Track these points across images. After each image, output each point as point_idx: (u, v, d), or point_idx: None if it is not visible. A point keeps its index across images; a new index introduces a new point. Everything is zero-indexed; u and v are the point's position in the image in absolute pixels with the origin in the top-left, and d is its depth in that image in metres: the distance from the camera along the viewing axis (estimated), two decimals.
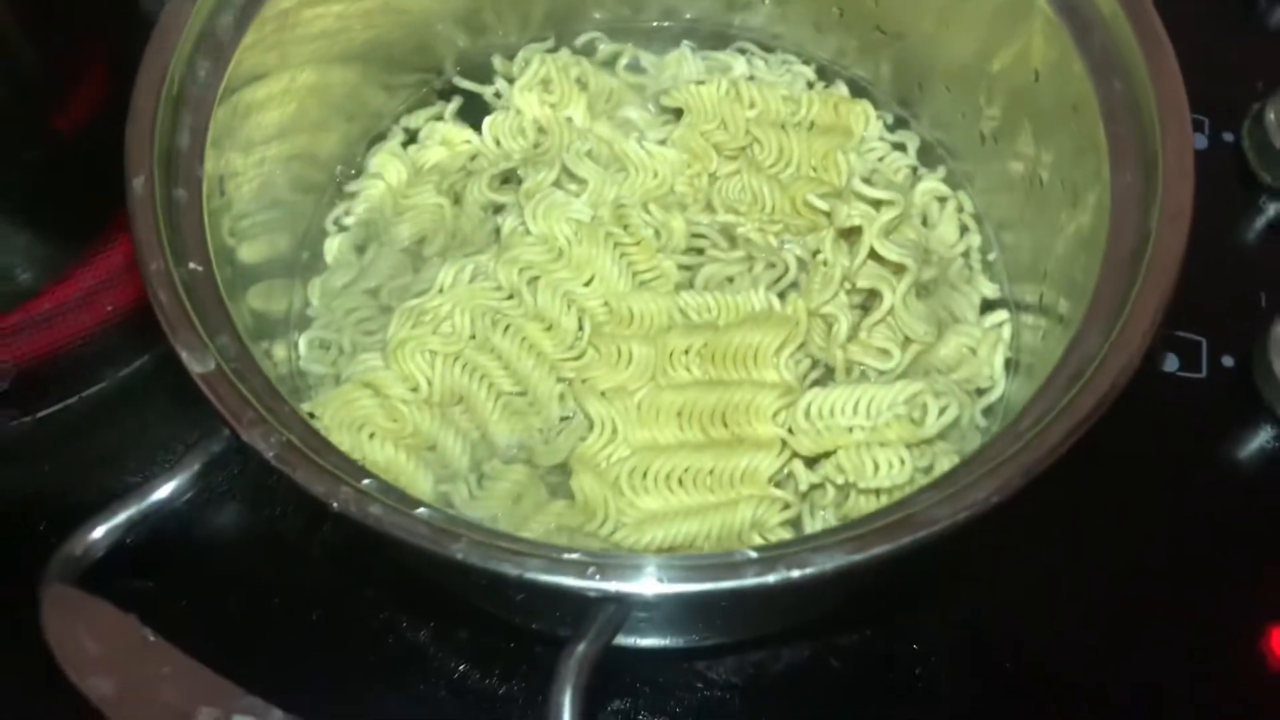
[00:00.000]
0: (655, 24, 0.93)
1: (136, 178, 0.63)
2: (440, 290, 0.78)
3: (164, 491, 0.59)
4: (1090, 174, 0.69)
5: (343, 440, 0.73)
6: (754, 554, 0.54)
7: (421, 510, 0.56)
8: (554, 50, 0.90)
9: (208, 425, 0.60)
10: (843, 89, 0.90)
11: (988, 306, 0.81)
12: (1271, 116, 0.94)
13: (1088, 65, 0.70)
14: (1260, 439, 0.88)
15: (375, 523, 0.54)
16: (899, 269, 0.78)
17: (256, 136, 0.76)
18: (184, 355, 0.58)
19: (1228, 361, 0.89)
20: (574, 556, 0.54)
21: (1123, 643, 0.79)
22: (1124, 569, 0.82)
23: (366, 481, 0.57)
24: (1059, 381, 0.61)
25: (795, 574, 0.53)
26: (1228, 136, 0.98)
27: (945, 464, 0.72)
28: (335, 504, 0.55)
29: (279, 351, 0.78)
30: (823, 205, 0.80)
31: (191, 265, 0.63)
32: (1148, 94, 0.65)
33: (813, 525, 0.73)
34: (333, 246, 0.84)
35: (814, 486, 0.73)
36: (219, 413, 0.57)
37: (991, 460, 0.57)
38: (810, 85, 0.90)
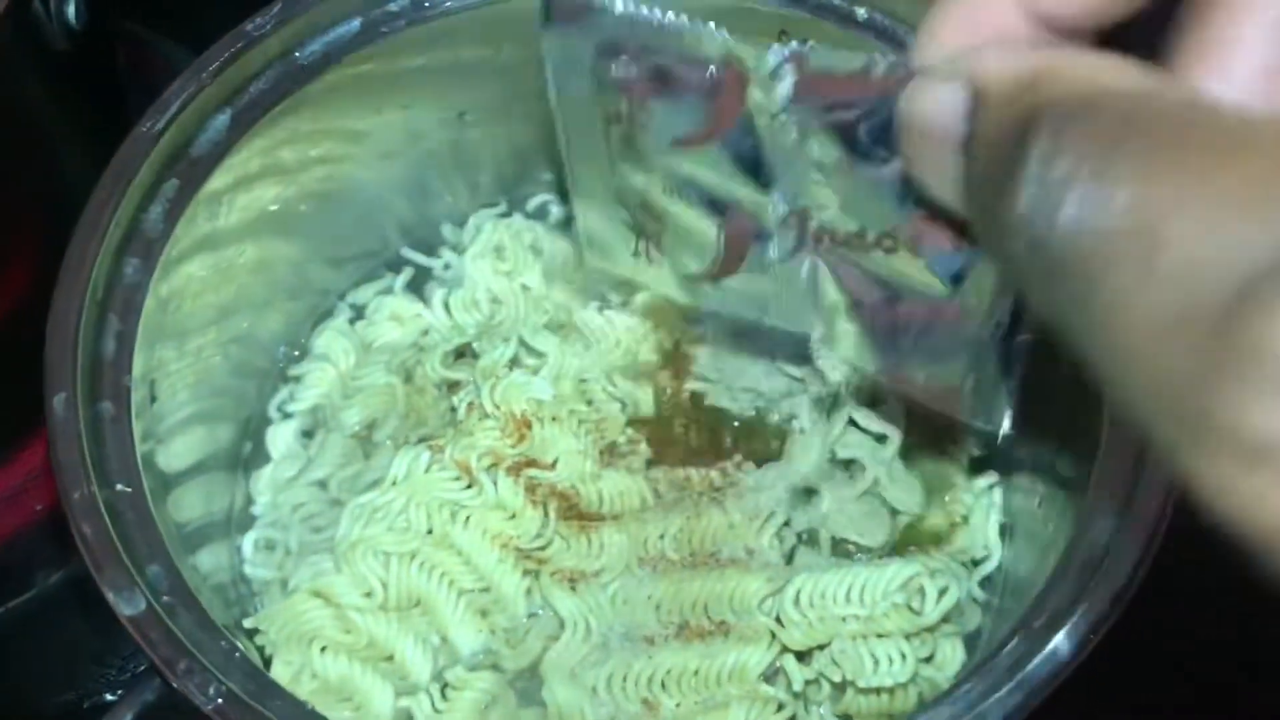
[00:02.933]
0: None
1: (57, 396, 0.58)
2: (393, 483, 0.72)
3: None
4: None
5: (292, 658, 0.67)
6: None
7: None
8: (505, 215, 0.87)
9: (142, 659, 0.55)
10: None
11: (976, 467, 0.77)
12: None
13: None
14: None
15: None
16: (881, 436, 0.74)
17: (191, 325, 0.72)
18: (111, 598, 0.52)
19: None
20: None
21: None
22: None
23: None
24: (1072, 565, 0.56)
25: None
26: None
27: (948, 649, 0.67)
28: None
29: (220, 556, 0.73)
30: (796, 372, 0.76)
31: (119, 487, 0.58)
32: None
33: None
34: (277, 436, 0.78)
35: (808, 682, 0.67)
36: (151, 662, 0.51)
37: (1008, 669, 0.52)
38: None
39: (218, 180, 0.70)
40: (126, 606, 0.52)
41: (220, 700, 0.50)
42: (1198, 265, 0.24)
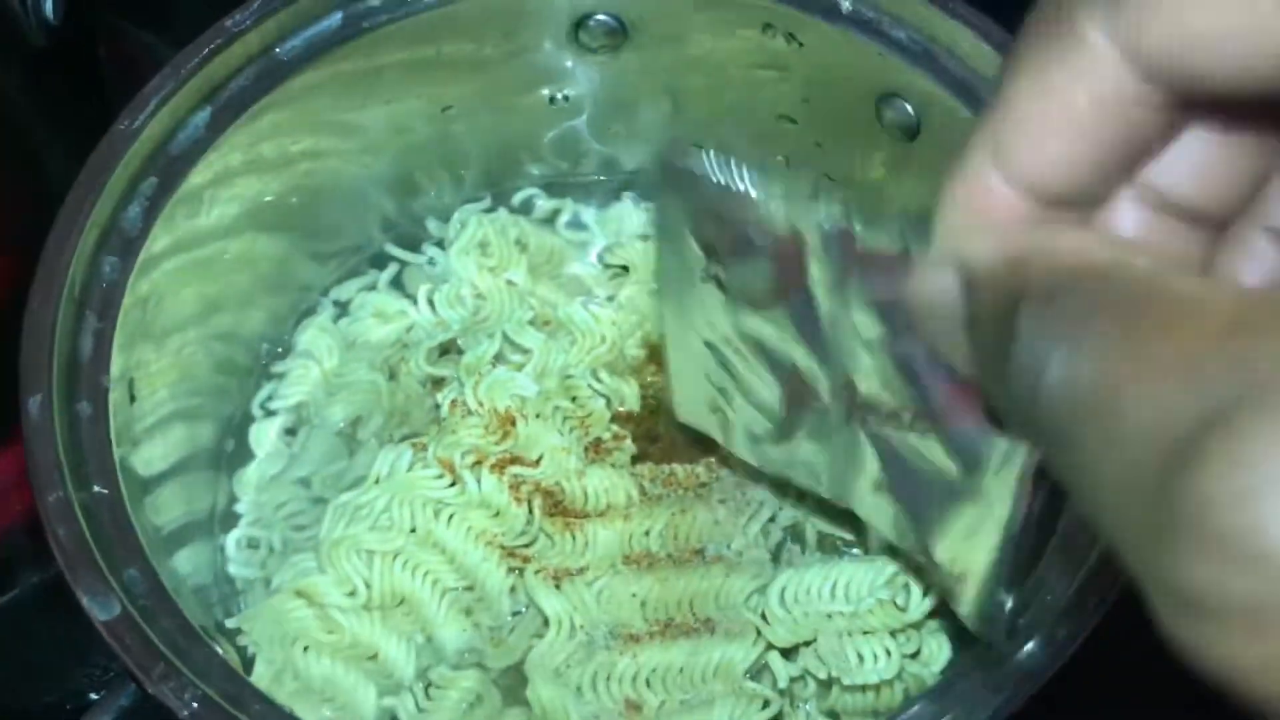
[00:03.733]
0: (595, 177, 0.89)
1: (32, 397, 0.57)
2: (376, 481, 0.72)
3: None
4: None
5: (275, 658, 0.67)
6: None
7: None
8: (490, 210, 0.86)
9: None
10: None
11: None
12: None
13: None
14: None
15: None
16: None
17: (172, 324, 0.71)
18: (85, 602, 0.52)
19: None
20: None
21: None
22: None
23: None
24: (1062, 556, 0.56)
25: None
26: None
27: (934, 645, 0.67)
28: None
29: (202, 556, 0.72)
30: None
31: (96, 489, 0.57)
32: None
33: None
34: (260, 433, 0.78)
35: (794, 679, 0.67)
36: (126, 668, 0.50)
37: (989, 667, 0.52)
38: None
39: (197, 177, 0.69)
40: (101, 611, 0.52)
41: (196, 705, 0.49)
42: (1141, 431, 0.26)
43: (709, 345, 0.57)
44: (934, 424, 0.44)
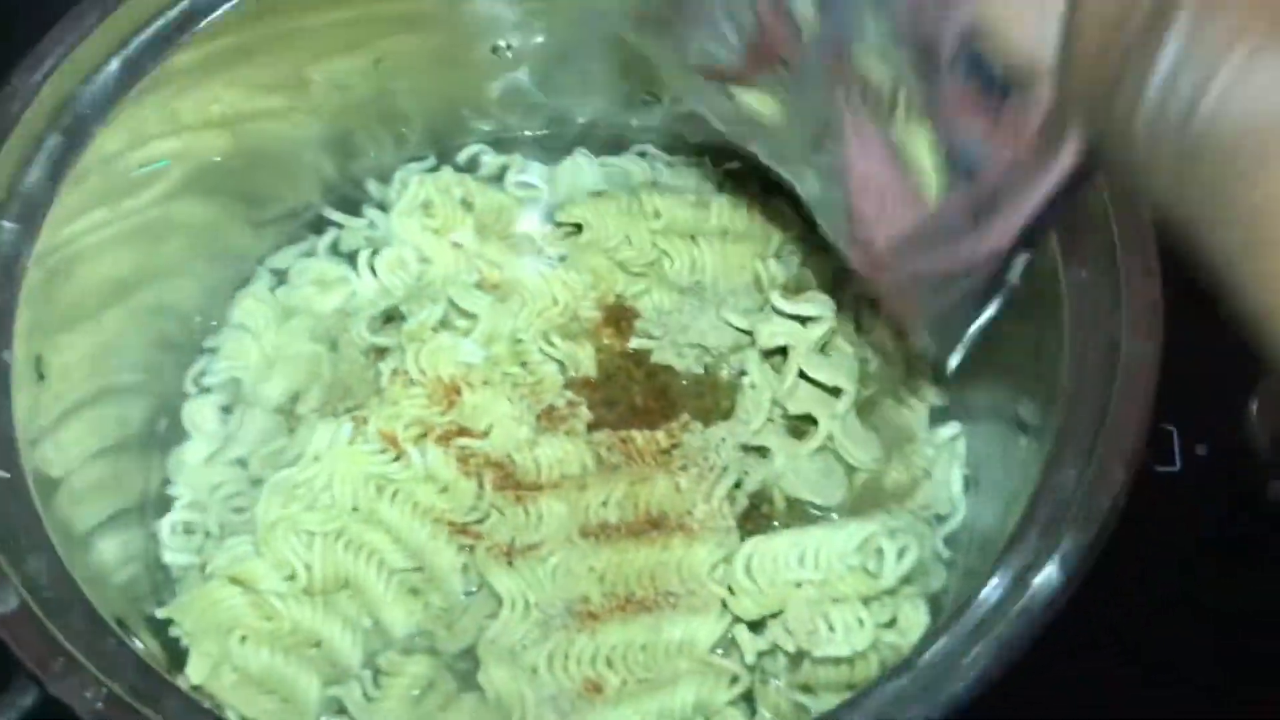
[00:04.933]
0: (545, 132, 0.84)
1: None
2: (314, 458, 0.67)
3: None
4: (1040, 270, 0.61)
5: (210, 649, 0.63)
6: None
7: None
8: (434, 169, 0.81)
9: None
10: (756, 188, 0.81)
11: (937, 418, 0.73)
12: None
13: None
14: (1246, 529, 0.80)
15: None
16: (835, 389, 0.69)
17: (89, 299, 0.66)
18: None
19: (1201, 451, 0.81)
20: None
21: None
22: (1108, 685, 0.73)
23: None
24: (1036, 521, 0.52)
25: None
26: None
27: (909, 611, 0.63)
28: None
29: (132, 544, 0.68)
30: (743, 323, 0.72)
31: None
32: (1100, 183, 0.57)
33: (766, 699, 0.63)
34: (194, 412, 0.73)
35: (763, 653, 0.63)
36: (22, 665, 0.46)
37: (970, 635, 0.48)
38: (720, 188, 0.82)
39: (110, 138, 0.65)
40: None
41: (101, 705, 0.45)
42: None
43: None
44: (931, 121, 0.39)
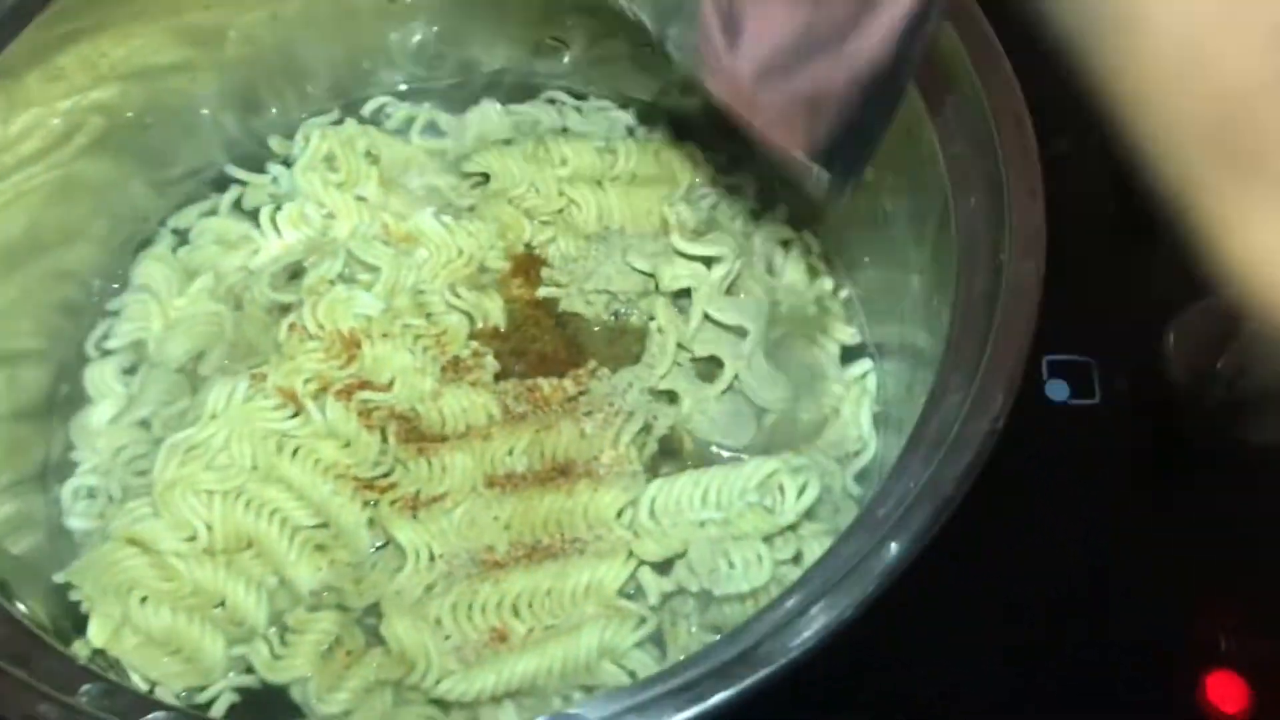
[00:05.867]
0: (452, 81, 0.83)
1: None
2: (211, 416, 0.66)
3: None
4: (933, 202, 0.60)
5: (111, 611, 0.62)
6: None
7: (153, 717, 0.45)
8: (338, 123, 0.80)
9: None
10: (667, 132, 0.80)
11: (848, 356, 0.72)
12: None
13: (919, 83, 0.61)
14: (1163, 461, 0.80)
15: None
16: (740, 329, 0.69)
17: None
18: None
19: (1121, 384, 0.81)
20: None
21: (1045, 699, 0.70)
22: (1034, 619, 0.72)
23: (86, 688, 0.46)
24: (918, 452, 0.51)
25: None
26: None
27: (816, 549, 0.63)
28: None
29: (33, 510, 0.67)
30: (645, 266, 0.71)
31: None
32: (984, 109, 0.57)
33: (676, 639, 0.62)
34: (95, 375, 0.72)
35: (669, 595, 0.63)
36: None
37: (837, 568, 0.47)
38: (631, 131, 0.81)
39: None
40: None
41: None
42: None
43: None
44: None
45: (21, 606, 0.53)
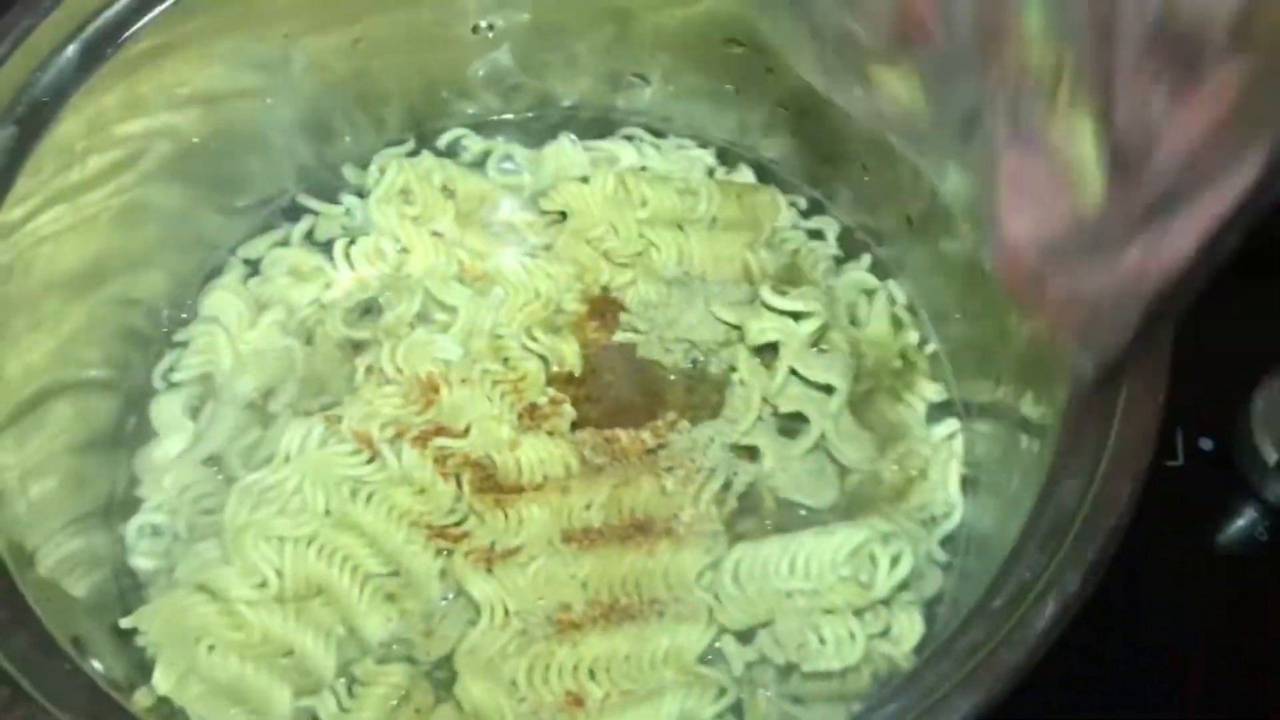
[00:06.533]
0: (529, 114, 0.82)
1: None
2: (285, 459, 0.65)
3: None
4: None
5: (177, 659, 0.60)
6: None
7: None
8: (414, 154, 0.78)
9: None
10: (747, 174, 0.79)
11: (934, 414, 0.70)
12: None
13: None
14: (1247, 524, 0.78)
15: None
16: (827, 386, 0.67)
17: (46, 289, 0.64)
18: None
19: (1206, 445, 0.79)
20: None
21: None
22: (1121, 678, 0.71)
23: None
24: (1038, 532, 0.49)
25: None
26: None
27: (904, 620, 0.61)
28: None
29: (97, 548, 0.65)
30: (731, 318, 0.69)
31: None
32: None
33: (755, 709, 0.60)
34: (161, 409, 0.70)
35: (751, 664, 0.61)
36: None
37: (965, 655, 0.45)
38: (711, 172, 0.79)
39: (68, 124, 0.62)
40: None
41: None
42: None
43: None
44: (1099, 106, 0.35)
45: (95, 663, 0.51)
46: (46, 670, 0.46)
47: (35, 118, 0.60)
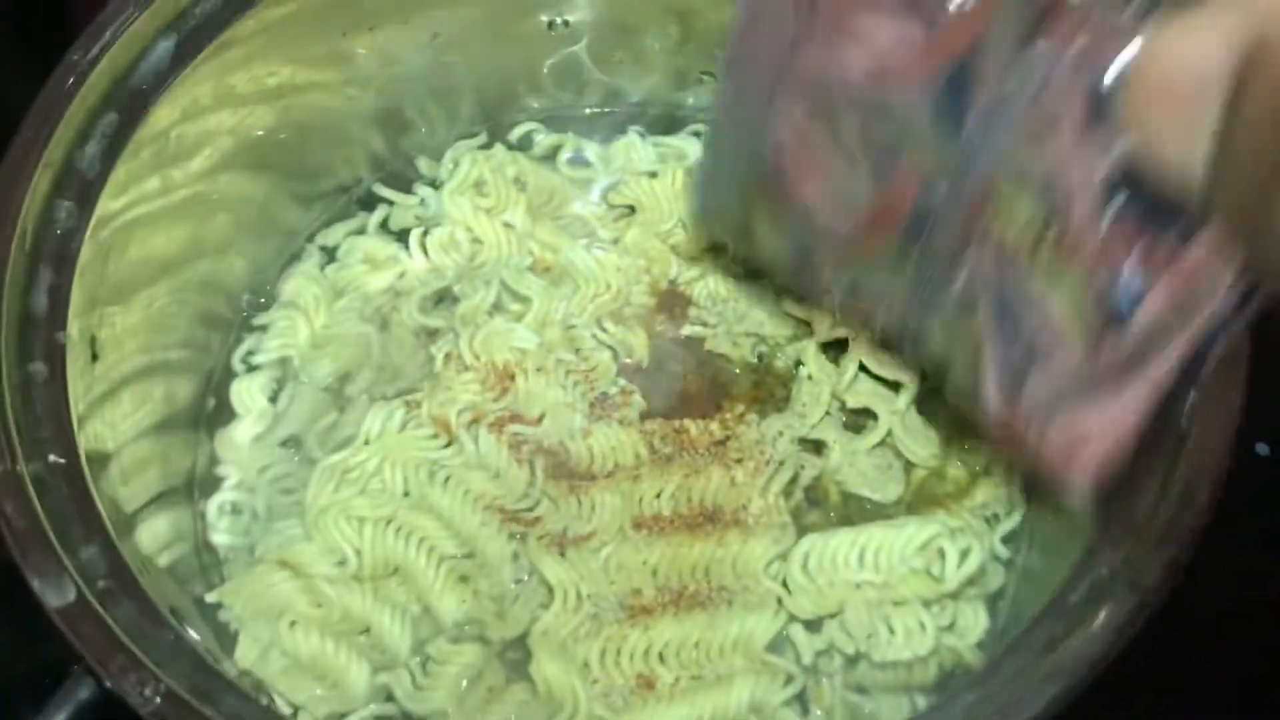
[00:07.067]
0: (598, 110, 0.83)
1: None
2: (366, 442, 0.66)
3: None
4: None
5: (259, 634, 0.62)
6: None
7: None
8: (486, 147, 0.80)
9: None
10: None
11: None
12: None
13: None
14: None
15: None
16: (895, 383, 0.68)
17: (140, 274, 0.66)
18: (36, 586, 0.47)
19: (1262, 450, 0.79)
20: None
21: None
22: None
23: None
24: (1114, 529, 0.50)
25: None
26: None
27: (970, 616, 0.62)
28: None
29: (181, 524, 0.67)
30: (800, 313, 0.70)
31: (51, 458, 0.52)
32: None
33: (820, 699, 0.62)
34: (242, 390, 0.72)
35: (819, 653, 0.62)
36: (83, 660, 0.45)
37: (1042, 649, 0.46)
38: None
39: (163, 113, 0.63)
40: (54, 597, 0.47)
41: (160, 700, 0.45)
42: None
43: (781, 115, 0.47)
44: (1082, 262, 0.37)
45: (192, 632, 0.53)
46: (154, 637, 0.48)
47: (134, 106, 0.62)
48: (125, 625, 0.47)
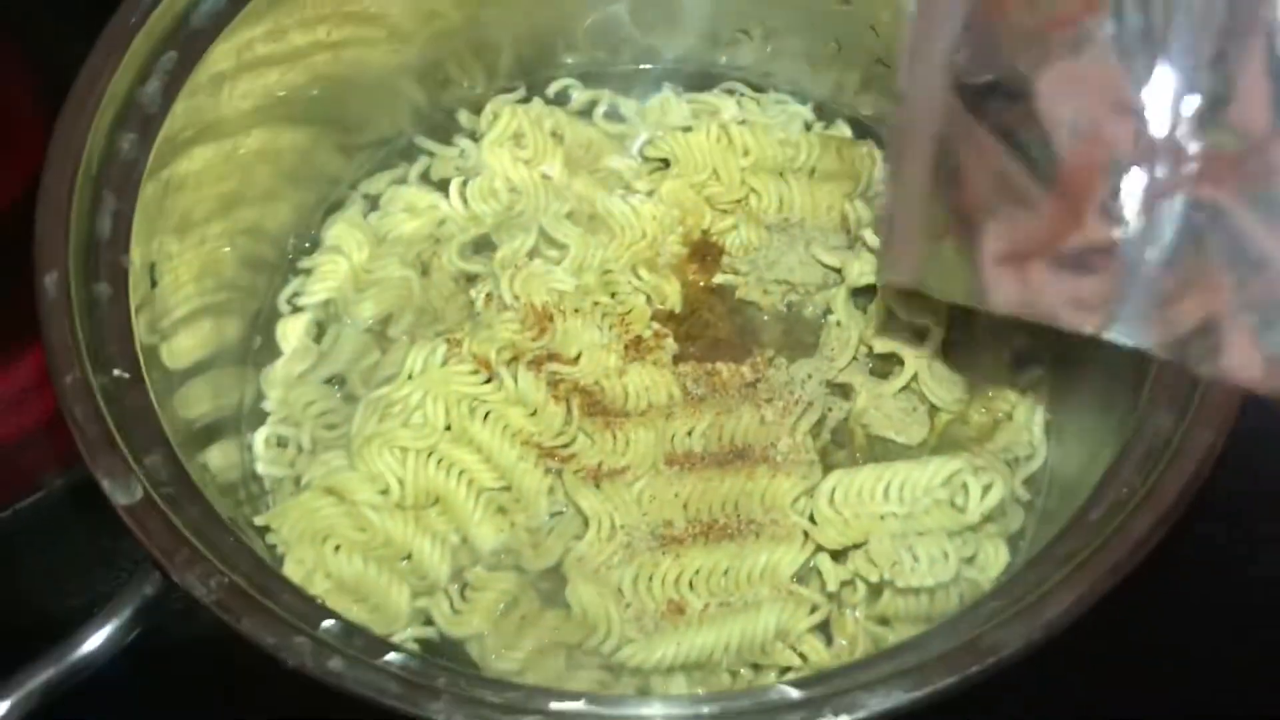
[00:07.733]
0: (634, 67, 0.85)
1: (48, 275, 0.55)
2: (409, 377, 0.69)
3: (88, 646, 0.50)
4: None
5: (305, 556, 0.65)
6: (794, 693, 0.45)
7: (391, 657, 0.47)
8: (525, 101, 0.82)
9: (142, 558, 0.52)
10: (844, 129, 0.82)
11: (1021, 361, 0.73)
12: None
13: None
14: None
15: (336, 680, 0.46)
16: (922, 329, 0.70)
17: (194, 214, 0.68)
18: (105, 485, 0.49)
19: None
20: (574, 707, 0.45)
21: None
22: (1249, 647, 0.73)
23: (327, 624, 0.48)
24: (1133, 457, 0.52)
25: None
26: None
27: (991, 550, 0.64)
28: (288, 660, 0.46)
29: (230, 453, 0.70)
30: (833, 261, 0.72)
31: (116, 372, 0.55)
32: None
33: (843, 628, 0.64)
34: (287, 330, 0.75)
35: (843, 583, 0.64)
36: (148, 552, 0.48)
37: (1064, 560, 0.49)
38: (808, 126, 0.82)
39: (220, 59, 0.66)
40: (122, 495, 0.49)
41: (221, 592, 0.47)
42: None
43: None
44: None
45: (260, 541, 0.55)
46: (216, 538, 0.50)
47: (192, 46, 0.64)
48: (189, 525, 0.50)
